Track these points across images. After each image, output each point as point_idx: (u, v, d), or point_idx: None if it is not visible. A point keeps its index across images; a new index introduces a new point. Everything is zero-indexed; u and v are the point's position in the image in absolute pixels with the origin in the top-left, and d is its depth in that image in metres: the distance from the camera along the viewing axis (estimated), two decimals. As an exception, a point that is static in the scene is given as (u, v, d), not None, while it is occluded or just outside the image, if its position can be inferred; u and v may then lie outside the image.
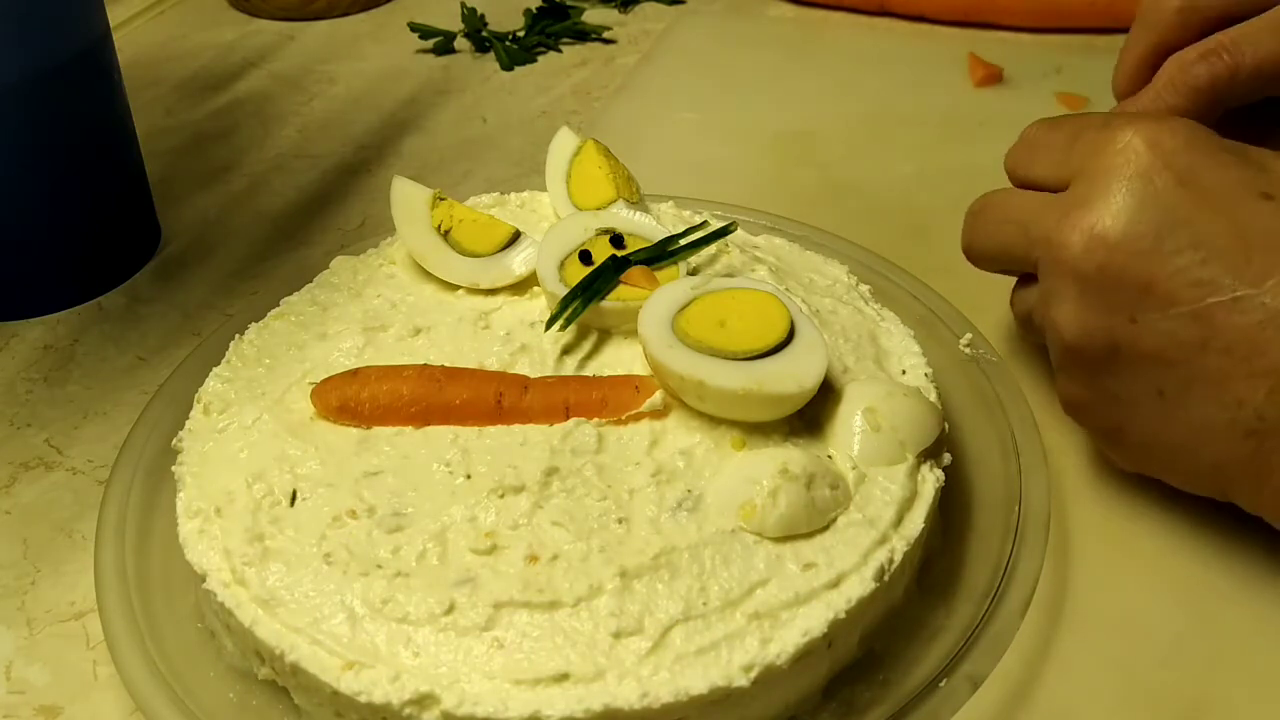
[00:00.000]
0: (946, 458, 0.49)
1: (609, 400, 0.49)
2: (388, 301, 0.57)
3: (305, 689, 0.43)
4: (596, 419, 0.48)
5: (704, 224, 0.58)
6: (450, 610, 0.42)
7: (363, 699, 0.40)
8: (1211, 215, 0.45)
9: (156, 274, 0.73)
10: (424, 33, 1.01)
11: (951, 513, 0.51)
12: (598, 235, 0.55)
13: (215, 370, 0.54)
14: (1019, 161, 0.54)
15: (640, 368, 0.50)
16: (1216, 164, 0.46)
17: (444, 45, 1.01)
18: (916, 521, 0.46)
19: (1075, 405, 0.51)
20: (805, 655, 0.41)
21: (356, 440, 0.49)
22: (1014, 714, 0.45)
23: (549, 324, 0.52)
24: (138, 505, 0.51)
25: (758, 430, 0.47)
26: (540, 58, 0.99)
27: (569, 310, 0.52)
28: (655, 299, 0.50)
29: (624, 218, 0.57)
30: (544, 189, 0.62)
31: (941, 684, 0.43)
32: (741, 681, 0.40)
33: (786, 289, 0.54)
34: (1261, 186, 0.45)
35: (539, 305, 0.55)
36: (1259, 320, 0.43)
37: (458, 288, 0.57)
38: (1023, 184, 0.53)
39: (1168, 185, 0.45)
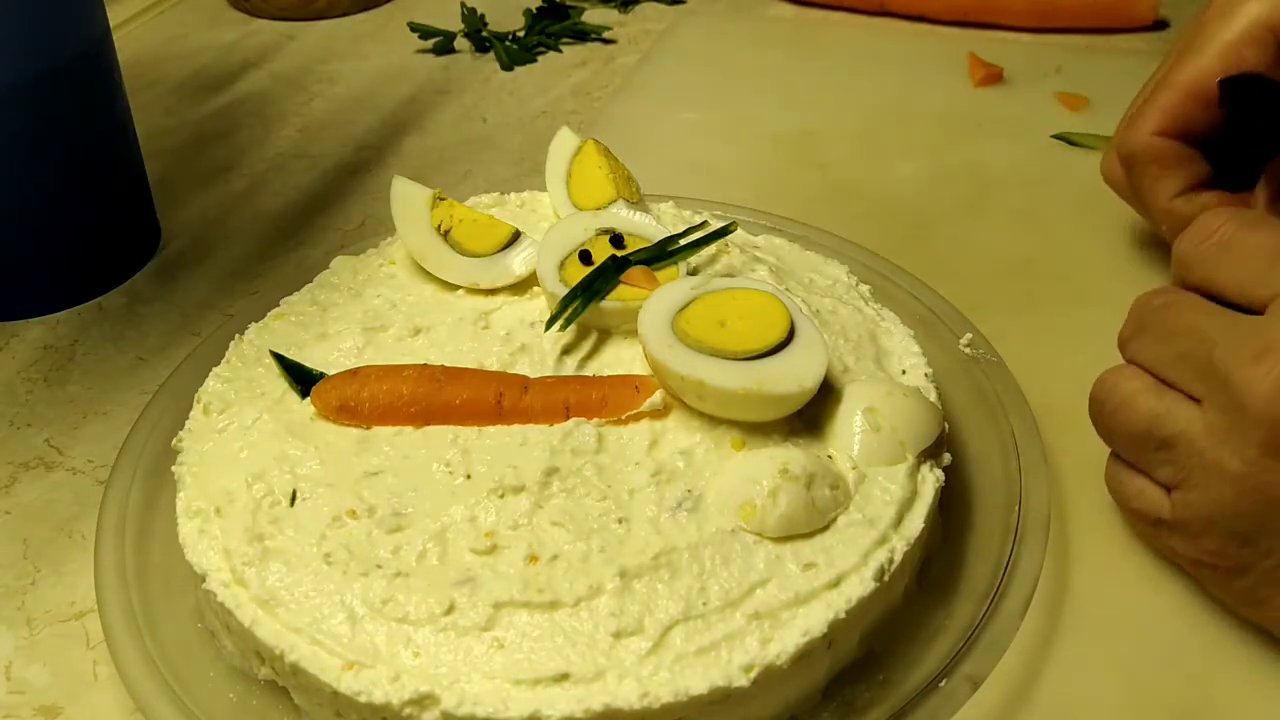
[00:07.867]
0: (946, 458, 0.49)
1: (609, 400, 0.49)
2: (388, 301, 0.57)
3: (305, 689, 0.43)
4: (596, 419, 0.48)
5: (704, 224, 0.58)
6: (450, 610, 0.42)
7: (363, 699, 0.40)
8: None
9: (156, 274, 0.73)
10: (424, 33, 1.01)
11: (951, 513, 0.51)
12: (598, 235, 0.55)
13: (215, 370, 0.54)
14: (1203, 257, 0.44)
15: (640, 368, 0.50)
16: None
17: (444, 45, 1.01)
18: (916, 521, 0.46)
19: (1209, 564, 0.45)
20: (805, 655, 0.41)
21: (356, 440, 0.49)
22: (1014, 714, 0.45)
23: (549, 324, 0.52)
24: (138, 505, 0.51)
25: (758, 430, 0.47)
26: (540, 58, 0.99)
27: (569, 310, 0.52)
28: (655, 299, 0.50)
29: (624, 218, 0.57)
30: (544, 189, 0.62)
31: (941, 684, 0.43)
32: (741, 681, 0.40)
33: (786, 289, 0.54)
34: None
35: (539, 305, 0.55)
36: None
37: (458, 288, 0.57)
38: (1198, 285, 0.45)
39: None
